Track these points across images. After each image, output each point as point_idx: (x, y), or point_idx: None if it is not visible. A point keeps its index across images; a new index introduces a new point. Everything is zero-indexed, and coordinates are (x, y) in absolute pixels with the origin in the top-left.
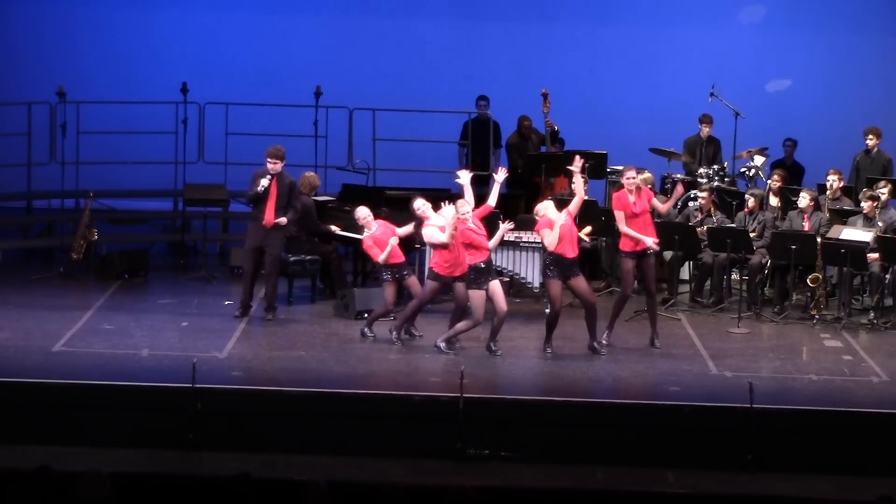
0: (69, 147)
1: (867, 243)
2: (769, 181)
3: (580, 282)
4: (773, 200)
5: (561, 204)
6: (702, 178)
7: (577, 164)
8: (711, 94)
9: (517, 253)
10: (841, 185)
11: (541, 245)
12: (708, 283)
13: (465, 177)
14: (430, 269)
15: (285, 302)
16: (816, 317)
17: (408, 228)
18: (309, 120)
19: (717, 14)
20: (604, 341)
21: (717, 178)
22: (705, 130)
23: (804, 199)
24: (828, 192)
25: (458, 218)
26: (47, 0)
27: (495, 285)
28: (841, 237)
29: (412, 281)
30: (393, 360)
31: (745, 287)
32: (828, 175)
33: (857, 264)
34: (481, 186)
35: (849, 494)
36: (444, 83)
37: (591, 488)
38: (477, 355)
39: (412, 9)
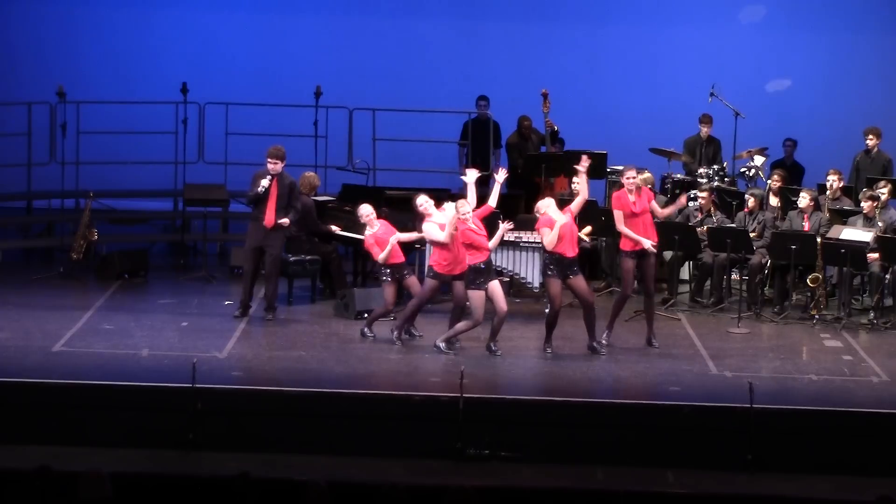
0: (69, 147)
1: (867, 243)
2: (769, 181)
3: (579, 281)
4: (773, 200)
5: (561, 204)
6: (702, 178)
7: (584, 164)
8: (711, 94)
9: (517, 253)
10: (841, 185)
11: (540, 245)
12: (708, 283)
13: (471, 176)
14: (430, 267)
15: (285, 302)
16: (816, 317)
17: (411, 236)
18: (309, 120)
19: (717, 14)
20: (604, 341)
21: (717, 178)
22: (705, 130)
23: (804, 199)
24: (828, 192)
25: (459, 218)
26: (47, 0)
27: (495, 285)
28: (841, 237)
29: (412, 281)
30: (393, 360)
31: (745, 287)
32: (828, 175)
33: (857, 264)
34: (481, 186)
35: (849, 494)
36: (444, 83)
37: (591, 488)
38: (477, 355)
39: (412, 9)
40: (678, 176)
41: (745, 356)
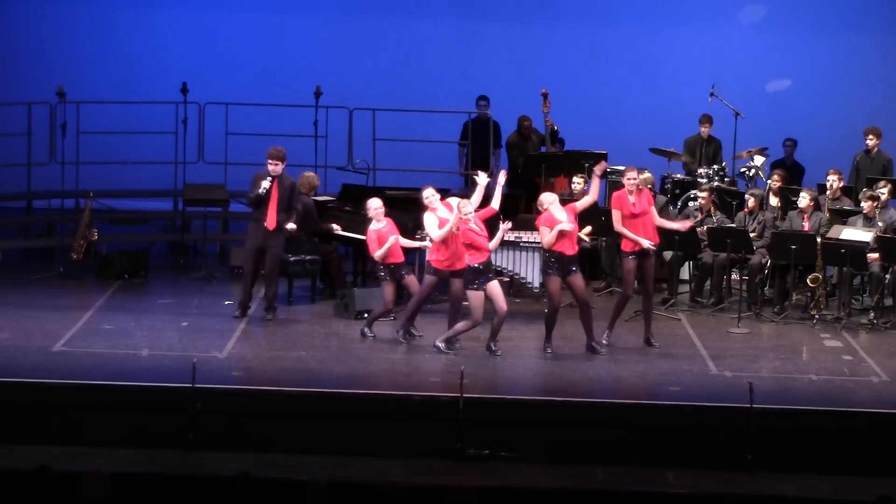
0: (69, 147)
1: (867, 243)
2: (769, 181)
3: (577, 279)
4: (773, 200)
5: (562, 203)
6: (702, 178)
7: (600, 168)
8: (711, 94)
9: (517, 253)
10: (841, 185)
11: (540, 244)
12: (708, 283)
13: (482, 179)
14: (428, 263)
15: (285, 302)
16: (816, 317)
17: (412, 243)
18: (309, 120)
19: (717, 14)
20: (604, 341)
21: (717, 178)
22: (705, 130)
23: (804, 199)
24: (828, 192)
25: (460, 217)
26: (47, 0)
27: (494, 285)
28: (841, 237)
29: (410, 280)
30: (393, 360)
31: (745, 287)
32: (828, 175)
33: (857, 264)
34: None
35: (849, 494)
36: (444, 83)
37: (591, 488)
38: (477, 355)
39: (412, 9)
40: (678, 176)
41: (745, 356)
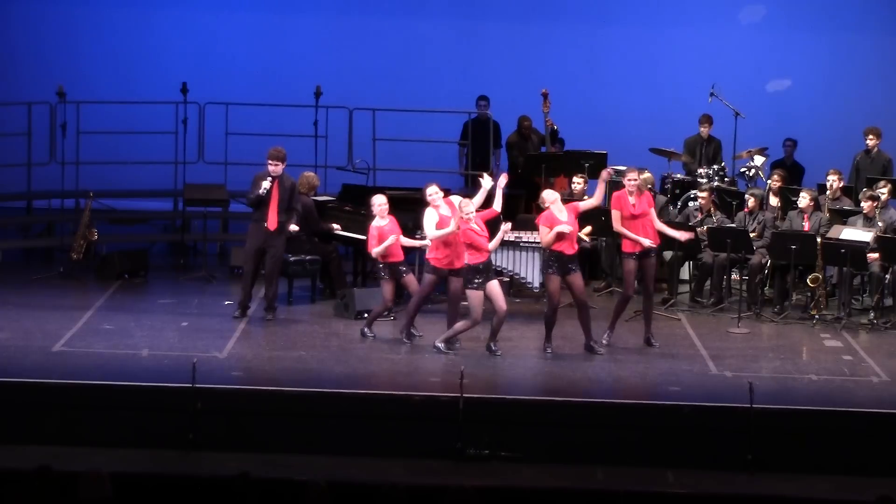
0: (69, 147)
1: (867, 243)
2: (769, 181)
3: (577, 279)
4: (773, 200)
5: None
6: (702, 178)
7: (606, 173)
8: (711, 94)
9: (517, 253)
10: (841, 185)
11: (540, 244)
12: (708, 283)
13: (487, 182)
14: (427, 262)
15: (285, 302)
16: (816, 317)
17: (413, 243)
18: (309, 120)
19: (717, 14)
20: (604, 341)
21: (717, 178)
22: (705, 130)
23: (804, 199)
24: (828, 192)
25: (461, 217)
26: (47, 0)
27: (494, 285)
28: (841, 237)
29: (409, 279)
30: (393, 360)
31: (745, 287)
32: (828, 175)
33: (857, 264)
34: (478, 188)
35: (849, 494)
36: (444, 83)
37: (591, 488)
38: (477, 355)
39: (412, 9)
40: (678, 176)
41: (745, 356)
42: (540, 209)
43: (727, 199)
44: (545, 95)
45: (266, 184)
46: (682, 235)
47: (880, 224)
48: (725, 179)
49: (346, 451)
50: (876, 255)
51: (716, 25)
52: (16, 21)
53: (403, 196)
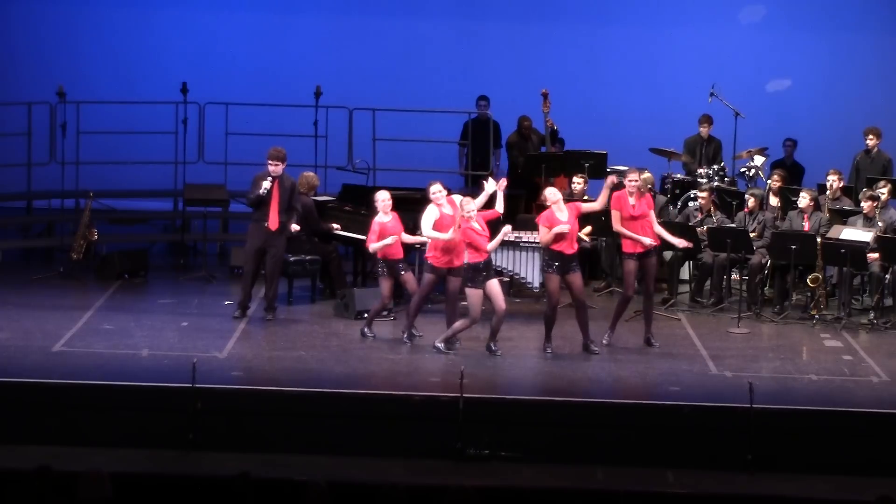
0: (69, 147)
1: (867, 243)
2: (769, 181)
3: (576, 278)
4: (773, 200)
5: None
6: (702, 178)
7: (611, 180)
8: (711, 94)
9: (517, 253)
10: (841, 185)
11: (539, 244)
12: (708, 283)
13: (490, 186)
14: (426, 261)
15: (285, 302)
16: (816, 317)
17: (415, 238)
18: (309, 120)
19: (717, 14)
20: (605, 341)
21: (717, 178)
22: (705, 130)
23: (804, 199)
24: (828, 192)
25: (462, 216)
26: (47, 0)
27: (494, 284)
28: (841, 237)
29: (408, 276)
30: (393, 360)
31: (745, 287)
32: (828, 175)
33: (857, 264)
34: (478, 188)
35: (849, 494)
36: (444, 83)
37: (591, 488)
38: (477, 355)
39: (412, 9)
40: (678, 176)
41: (745, 356)
42: (540, 209)
43: (727, 199)
44: (545, 95)
45: (266, 184)
46: (680, 243)
47: (880, 224)
48: (725, 179)
49: (346, 451)
50: (876, 255)
51: (716, 25)
52: (16, 21)
53: (404, 196)
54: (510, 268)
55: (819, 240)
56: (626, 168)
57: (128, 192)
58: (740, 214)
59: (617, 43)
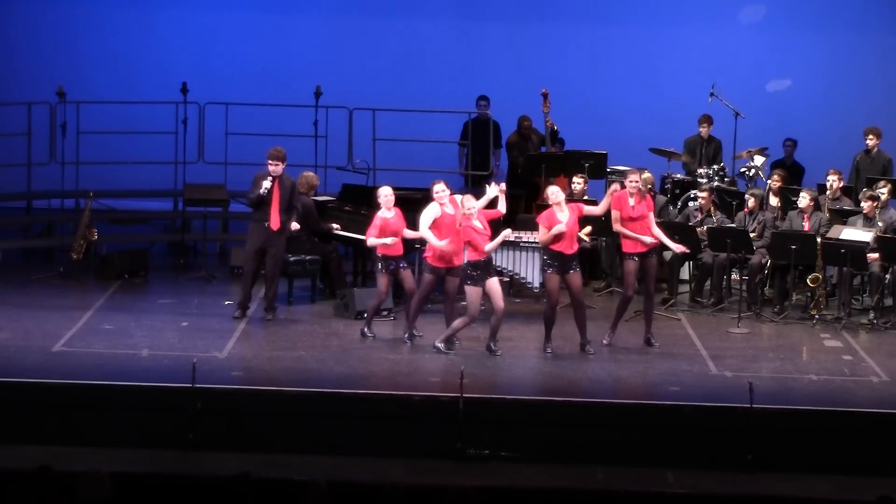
0: (69, 147)
1: (867, 243)
2: (769, 181)
3: (576, 278)
4: (773, 200)
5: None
6: (702, 178)
7: (614, 187)
8: (711, 94)
9: (517, 253)
10: (841, 185)
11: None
12: (708, 283)
13: (493, 191)
14: (425, 260)
15: (285, 302)
16: (816, 317)
17: (416, 234)
18: (309, 120)
19: (717, 14)
20: (605, 341)
21: (717, 178)
22: (704, 130)
23: (804, 199)
24: (828, 192)
25: (463, 213)
26: (47, 0)
27: (493, 283)
28: (841, 237)
29: (406, 274)
30: (393, 360)
31: (745, 287)
32: (828, 175)
33: (857, 264)
34: (475, 188)
35: (849, 494)
36: (444, 83)
37: (591, 488)
38: (477, 355)
39: (412, 9)
40: (678, 176)
41: (745, 356)
42: (540, 209)
43: (727, 199)
44: (545, 95)
45: (266, 184)
46: (677, 248)
47: (880, 224)
48: (725, 179)
49: (346, 451)
50: (876, 255)
51: (716, 25)
52: (16, 21)
53: (404, 196)
54: (510, 268)
55: (819, 240)
56: (626, 168)
57: (128, 192)
58: (740, 214)
59: (617, 43)
